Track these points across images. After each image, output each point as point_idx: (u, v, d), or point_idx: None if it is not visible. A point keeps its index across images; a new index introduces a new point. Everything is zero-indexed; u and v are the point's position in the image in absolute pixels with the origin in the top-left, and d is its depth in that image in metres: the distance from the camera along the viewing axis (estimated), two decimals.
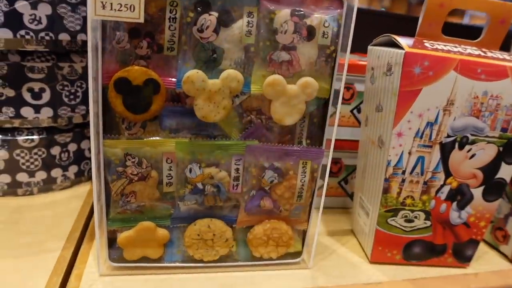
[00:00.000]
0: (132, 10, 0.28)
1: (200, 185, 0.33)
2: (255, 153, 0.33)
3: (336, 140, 0.46)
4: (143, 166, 0.32)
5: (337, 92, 0.33)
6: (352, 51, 0.52)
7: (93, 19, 0.28)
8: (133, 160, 0.32)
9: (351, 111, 0.46)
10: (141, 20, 0.28)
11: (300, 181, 0.34)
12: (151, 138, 0.32)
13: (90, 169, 0.50)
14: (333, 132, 0.34)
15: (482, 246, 0.45)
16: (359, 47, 0.43)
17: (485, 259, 0.42)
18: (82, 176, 0.49)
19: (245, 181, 0.34)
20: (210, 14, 0.30)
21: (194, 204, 0.34)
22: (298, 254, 0.38)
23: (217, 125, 0.33)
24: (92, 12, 0.27)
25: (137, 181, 0.32)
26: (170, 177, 0.33)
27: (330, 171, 0.47)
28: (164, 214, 0.34)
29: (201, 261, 0.35)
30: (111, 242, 0.34)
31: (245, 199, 0.34)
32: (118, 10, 0.28)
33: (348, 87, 0.45)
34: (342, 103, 0.46)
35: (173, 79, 0.31)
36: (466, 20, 1.53)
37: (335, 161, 0.47)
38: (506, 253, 0.43)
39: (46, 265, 0.34)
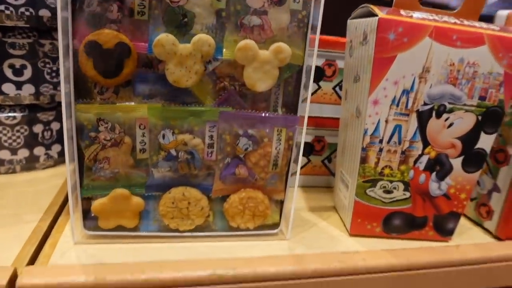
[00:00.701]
0: None
1: (173, 152, 0.33)
2: (229, 119, 0.33)
3: (318, 117, 0.46)
4: (116, 131, 0.32)
5: (309, 67, 0.33)
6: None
7: None
8: (106, 125, 0.32)
9: (333, 88, 0.46)
10: None
11: (275, 149, 0.34)
12: (124, 103, 0.32)
13: None
14: (306, 110, 0.34)
15: (465, 223, 0.44)
16: None
17: (469, 235, 0.42)
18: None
19: (219, 148, 0.34)
20: None
21: (168, 172, 0.33)
22: (275, 225, 0.37)
23: (191, 92, 0.33)
24: None
25: (110, 147, 0.32)
26: (143, 144, 0.33)
27: (314, 149, 0.47)
28: (139, 182, 0.34)
29: (177, 230, 0.35)
30: (86, 211, 0.34)
31: (220, 167, 0.34)
32: None
33: (330, 64, 0.45)
34: (324, 80, 0.46)
35: (145, 44, 0.31)
36: None
37: (318, 139, 0.47)
38: (490, 229, 0.43)
39: (22, 235, 0.34)
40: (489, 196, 0.42)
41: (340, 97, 0.47)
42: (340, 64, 0.46)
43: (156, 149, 0.33)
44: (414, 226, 0.39)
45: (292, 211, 0.36)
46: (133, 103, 0.32)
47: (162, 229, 0.35)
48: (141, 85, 0.32)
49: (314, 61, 0.33)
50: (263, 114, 0.33)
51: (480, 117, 0.36)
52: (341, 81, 0.46)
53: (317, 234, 0.39)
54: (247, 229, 0.36)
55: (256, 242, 0.36)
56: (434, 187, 0.38)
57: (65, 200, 0.41)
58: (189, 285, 0.30)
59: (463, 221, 0.45)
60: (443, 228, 0.39)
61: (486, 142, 0.37)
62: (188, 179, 0.34)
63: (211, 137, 0.33)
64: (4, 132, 0.44)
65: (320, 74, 0.45)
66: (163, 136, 0.32)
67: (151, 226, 0.35)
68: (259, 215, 0.36)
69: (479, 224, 0.44)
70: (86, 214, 0.34)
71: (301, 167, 0.46)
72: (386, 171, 0.37)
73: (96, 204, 0.33)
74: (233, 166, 0.34)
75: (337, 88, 0.46)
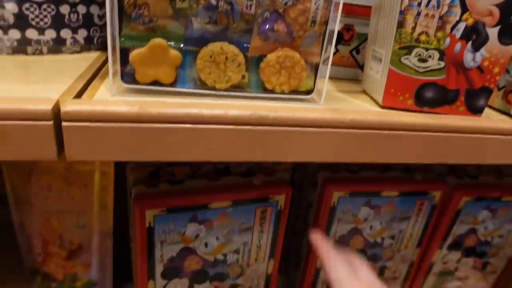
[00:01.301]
0: None
1: (213, 1, 0.32)
2: None
3: (348, 4, 0.45)
4: None
5: None
6: None
7: None
8: None
9: None
10: None
11: (315, 4, 0.34)
12: None
13: (99, 37, 0.49)
14: None
15: (492, 112, 0.44)
16: None
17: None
18: (92, 44, 0.49)
19: (258, 2, 0.33)
20: None
21: (207, 24, 0.33)
22: (309, 92, 0.37)
23: None
24: None
25: None
26: None
27: (342, 38, 0.47)
28: (177, 34, 0.34)
29: (213, 88, 0.35)
30: (124, 66, 0.34)
31: (258, 22, 0.34)
32: None
33: None
34: None
35: None
36: None
37: (347, 28, 0.47)
38: None
39: (58, 89, 0.34)
40: None
41: None
42: None
43: None
44: (446, 100, 0.39)
45: (327, 76, 0.36)
46: None
47: (198, 87, 0.35)
48: None
49: None
50: None
51: None
52: None
53: (349, 105, 0.39)
54: (282, 92, 0.36)
55: (290, 104, 0.36)
56: (469, 58, 0.38)
57: (97, 71, 0.40)
58: (230, 123, 0.30)
59: (489, 111, 0.45)
60: (474, 104, 0.39)
61: None
62: (226, 35, 0.34)
63: None
64: (31, 9, 0.43)
65: None
66: None
67: (187, 84, 0.35)
68: (294, 77, 0.36)
69: (506, 113, 0.44)
70: (124, 68, 0.34)
71: (326, 59, 0.46)
72: (423, 37, 0.37)
73: (134, 53, 0.33)
74: (272, 21, 0.34)
75: None
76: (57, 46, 0.46)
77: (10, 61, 0.42)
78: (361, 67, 0.49)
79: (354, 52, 0.48)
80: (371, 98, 0.42)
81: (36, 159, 0.29)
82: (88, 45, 0.48)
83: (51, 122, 0.28)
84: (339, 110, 0.34)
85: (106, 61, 0.46)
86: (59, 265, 0.53)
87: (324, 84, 0.36)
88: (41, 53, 0.45)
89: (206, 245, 0.47)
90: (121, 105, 0.29)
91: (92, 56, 0.47)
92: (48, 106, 0.28)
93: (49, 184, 0.49)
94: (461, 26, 0.36)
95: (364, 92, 0.45)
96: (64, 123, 0.28)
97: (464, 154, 0.37)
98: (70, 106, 0.28)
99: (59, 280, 0.55)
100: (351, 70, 0.49)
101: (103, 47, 0.50)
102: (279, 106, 0.33)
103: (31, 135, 0.28)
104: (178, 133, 0.30)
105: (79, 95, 0.33)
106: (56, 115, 0.29)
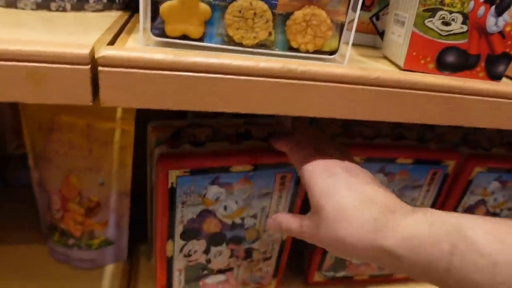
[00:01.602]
0: None
1: None
2: None
3: None
4: None
5: None
6: None
7: None
8: None
9: None
10: None
11: None
12: None
13: None
14: None
15: (510, 82, 0.45)
16: None
17: None
18: (113, 3, 0.49)
19: None
20: None
21: None
22: (334, 52, 0.38)
23: None
24: None
25: None
26: None
27: (363, 4, 0.47)
28: None
29: (240, 44, 0.36)
30: (154, 19, 0.35)
31: None
32: None
33: None
34: None
35: None
36: None
37: None
38: None
39: (90, 39, 0.34)
40: None
41: None
42: None
43: None
44: (467, 65, 0.40)
45: (352, 37, 0.37)
46: None
47: (226, 43, 0.36)
48: None
49: None
50: None
51: None
52: None
53: (371, 67, 0.39)
54: (307, 51, 0.37)
55: (316, 63, 0.37)
56: (491, 23, 0.38)
57: (122, 27, 0.41)
58: (260, 75, 0.31)
59: (506, 80, 0.45)
60: (494, 70, 0.40)
61: None
62: None
63: None
64: None
65: None
66: None
67: (214, 39, 0.36)
68: (320, 36, 0.36)
69: None
70: (153, 21, 0.35)
71: (350, 22, 0.46)
72: (447, 0, 0.37)
73: (165, 6, 0.33)
74: None
75: None
76: (80, 3, 0.46)
77: (35, 15, 0.42)
78: (381, 34, 0.50)
79: (374, 19, 0.49)
80: (392, 62, 0.43)
81: (71, 103, 0.30)
82: (110, 4, 0.49)
83: (88, 67, 0.29)
84: (365, 68, 0.34)
85: (129, 19, 0.46)
86: (77, 222, 0.54)
87: (349, 45, 0.37)
88: (64, 9, 0.46)
89: (225, 208, 0.48)
90: (156, 52, 0.30)
91: (115, 15, 0.48)
92: (85, 51, 0.29)
93: (70, 141, 0.50)
94: None
95: (384, 57, 0.45)
96: (100, 68, 0.29)
97: (484, 117, 0.38)
98: (106, 51, 0.29)
99: (77, 237, 0.56)
100: (370, 37, 0.49)
101: (124, 7, 0.51)
102: (309, 62, 0.33)
103: (67, 79, 0.29)
104: (209, 83, 0.31)
105: (111, 44, 0.34)
106: (93, 60, 0.29)
